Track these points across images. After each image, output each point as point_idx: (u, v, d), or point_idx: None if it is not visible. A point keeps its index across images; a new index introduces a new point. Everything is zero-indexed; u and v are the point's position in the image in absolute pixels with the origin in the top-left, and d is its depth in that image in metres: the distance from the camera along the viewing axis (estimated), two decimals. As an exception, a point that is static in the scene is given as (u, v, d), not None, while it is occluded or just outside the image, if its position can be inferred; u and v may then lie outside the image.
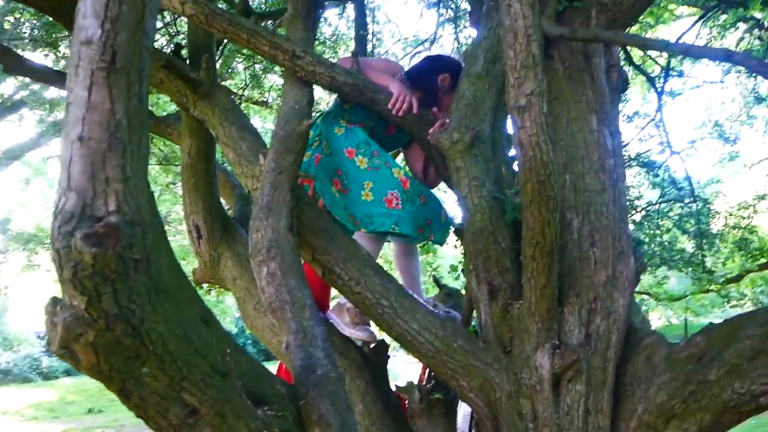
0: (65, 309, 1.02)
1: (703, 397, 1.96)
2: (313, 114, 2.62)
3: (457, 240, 2.85)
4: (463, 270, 2.79)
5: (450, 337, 2.18)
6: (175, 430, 1.21)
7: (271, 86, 8.23)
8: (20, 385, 19.25)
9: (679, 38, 6.26)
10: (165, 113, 5.20)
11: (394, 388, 2.58)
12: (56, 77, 4.87)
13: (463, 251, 2.66)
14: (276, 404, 1.45)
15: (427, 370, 2.71)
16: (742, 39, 7.10)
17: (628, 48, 5.52)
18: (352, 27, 7.64)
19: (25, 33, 6.32)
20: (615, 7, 2.36)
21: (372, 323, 2.57)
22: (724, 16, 6.30)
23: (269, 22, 5.64)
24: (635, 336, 2.27)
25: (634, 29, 4.52)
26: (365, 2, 6.33)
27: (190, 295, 1.30)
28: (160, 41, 6.06)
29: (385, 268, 2.42)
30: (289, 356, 1.68)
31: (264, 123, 9.43)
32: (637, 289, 2.43)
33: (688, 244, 9.22)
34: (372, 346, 2.59)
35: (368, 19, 6.57)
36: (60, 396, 16.41)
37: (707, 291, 11.38)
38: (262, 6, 6.65)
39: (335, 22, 7.74)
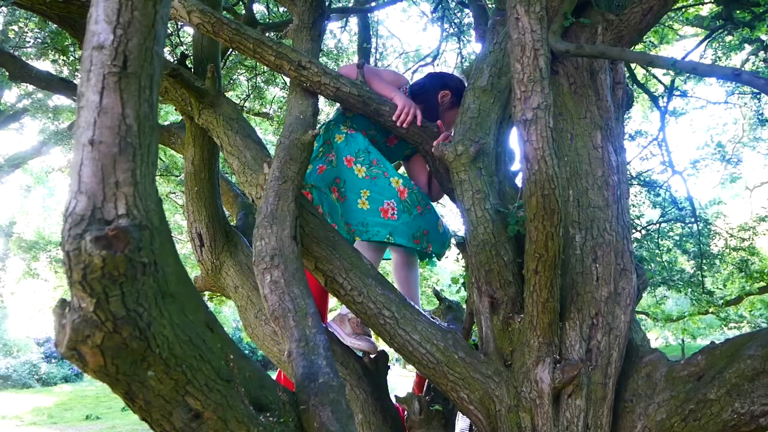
0: (74, 311, 1.03)
1: (702, 416, 1.96)
2: (318, 124, 2.64)
3: (458, 253, 2.86)
4: (464, 283, 2.79)
5: (451, 348, 2.18)
6: (179, 434, 1.21)
7: (273, 98, 8.28)
8: (19, 390, 19.22)
9: (684, 57, 6.29)
10: (166, 123, 5.23)
11: (393, 399, 2.57)
12: (60, 85, 4.90)
13: (464, 264, 2.67)
14: (278, 411, 1.45)
15: (426, 381, 2.71)
16: (747, 60, 7.14)
17: (632, 66, 5.56)
18: (354, 40, 7.70)
19: (29, 42, 6.37)
20: (621, 24, 2.39)
21: (373, 333, 2.57)
22: (729, 38, 6.34)
23: (272, 33, 5.69)
24: (636, 353, 2.27)
25: (637, 48, 4.56)
26: (369, 16, 6.37)
27: (196, 300, 1.30)
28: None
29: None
30: (290, 364, 1.68)
31: (265, 135, 9.47)
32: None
33: (687, 265, 9.22)
34: (372, 356, 2.58)
35: (370, 33, 6.63)
36: (58, 402, 16.37)
37: (705, 312, 11.36)
38: (266, 18, 6.71)
39: (338, 35, 7.80)
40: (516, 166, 2.68)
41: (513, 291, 2.22)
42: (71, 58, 6.32)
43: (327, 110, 7.73)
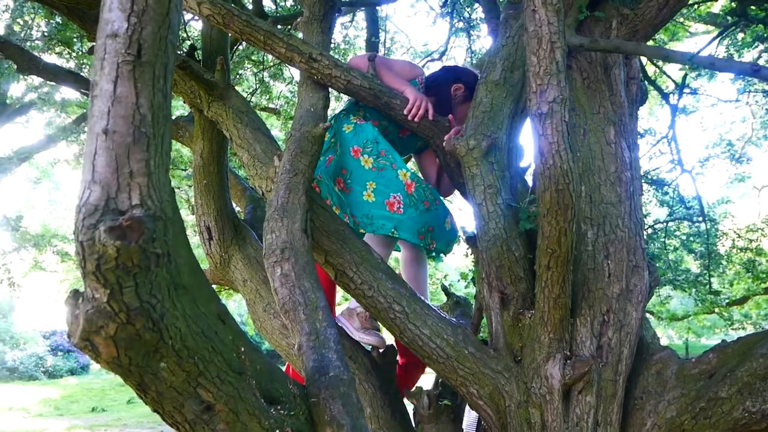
0: (87, 301, 1.02)
1: (713, 414, 1.95)
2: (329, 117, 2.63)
3: (467, 248, 2.84)
4: (473, 278, 2.77)
5: (461, 343, 2.16)
6: (191, 425, 1.20)
7: (280, 93, 8.27)
8: (26, 382, 19.35)
9: (698, 53, 6.23)
10: (174, 116, 5.23)
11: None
12: (68, 77, 4.90)
13: (474, 259, 2.65)
14: (288, 404, 1.44)
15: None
16: (758, 58, 7.08)
17: (643, 62, 5.51)
18: (361, 35, 7.68)
19: (35, 36, 6.39)
20: (636, 19, 2.36)
21: (381, 327, 2.56)
22: (741, 35, 6.29)
23: (279, 26, 5.68)
24: (646, 350, 2.26)
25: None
26: (377, 10, 6.35)
27: (208, 292, 1.29)
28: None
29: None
30: (301, 357, 1.67)
31: (272, 130, 9.46)
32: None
33: (693, 265, 9.18)
34: (381, 350, 2.57)
35: (378, 28, 6.61)
36: (64, 394, 16.48)
37: (710, 312, 11.33)
38: (274, 12, 6.69)
39: (346, 30, 7.79)
40: (525, 162, 2.66)
41: (524, 287, 2.21)
42: (77, 51, 6.33)
43: (334, 105, 7.72)
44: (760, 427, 1.90)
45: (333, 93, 2.72)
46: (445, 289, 3.40)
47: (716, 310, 11.05)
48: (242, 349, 1.35)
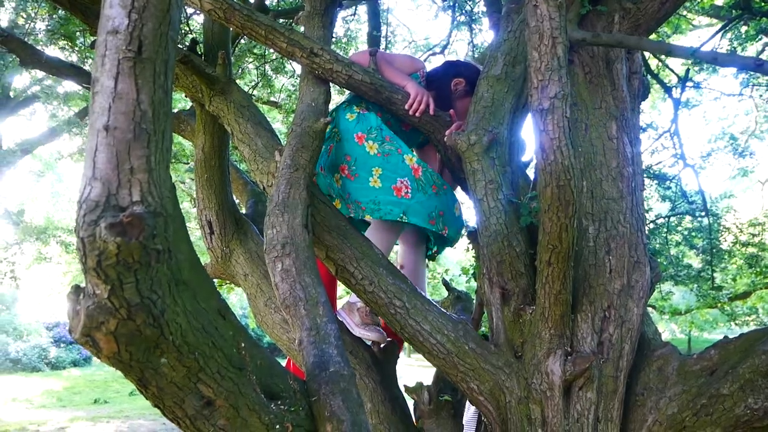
0: (88, 297, 1.02)
1: (714, 411, 1.94)
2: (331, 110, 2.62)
3: (468, 243, 2.84)
4: (474, 273, 2.77)
5: (462, 339, 2.17)
6: (191, 420, 1.21)
7: (282, 87, 8.26)
8: (29, 374, 19.42)
9: (700, 47, 6.21)
10: (175, 110, 5.23)
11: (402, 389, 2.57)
12: (70, 71, 4.89)
13: (475, 254, 2.65)
14: (289, 399, 1.45)
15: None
16: (762, 51, 7.05)
17: (645, 56, 5.50)
18: (362, 29, 7.66)
19: (39, 29, 6.38)
20: (639, 13, 2.35)
21: (382, 323, 2.56)
22: (744, 28, 6.26)
23: (281, 20, 5.67)
24: (648, 346, 2.26)
25: (651, 38, 4.49)
26: (378, 3, 6.33)
27: (208, 287, 1.29)
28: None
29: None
30: (301, 353, 1.68)
31: (273, 123, 9.46)
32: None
33: (695, 260, 9.16)
34: (382, 346, 2.58)
35: (380, 21, 6.59)
36: (67, 386, 16.53)
37: (713, 306, 11.32)
38: (276, 5, 6.67)
39: (347, 23, 7.76)
40: (527, 156, 2.66)
41: (524, 282, 2.21)
42: (79, 45, 6.32)
43: (337, 99, 7.70)
44: (762, 424, 1.89)
45: (335, 88, 2.71)
46: (446, 284, 3.40)
47: (718, 305, 11.04)
48: (242, 344, 1.35)
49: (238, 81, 7.52)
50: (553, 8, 1.61)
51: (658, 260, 7.96)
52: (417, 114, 2.53)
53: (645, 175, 7.45)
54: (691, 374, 2.08)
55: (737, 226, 8.86)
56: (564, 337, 2.06)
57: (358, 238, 2.31)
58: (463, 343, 2.16)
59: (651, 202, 8.31)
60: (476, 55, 6.54)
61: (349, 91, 2.75)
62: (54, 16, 6.23)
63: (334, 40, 7.54)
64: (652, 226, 8.09)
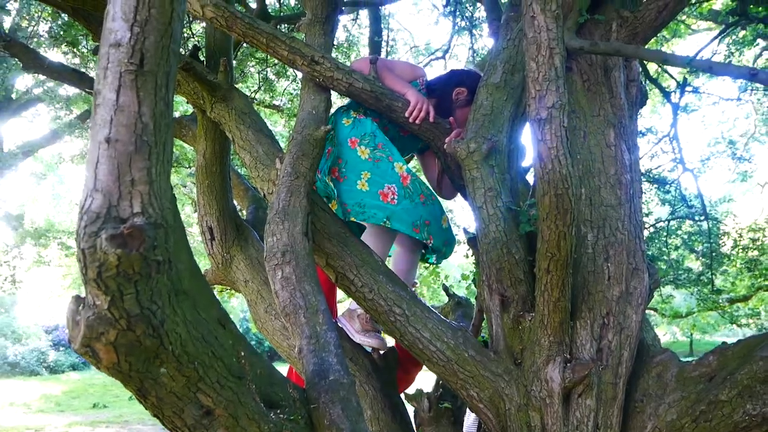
0: (88, 308, 1.03)
1: (713, 417, 1.95)
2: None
3: (468, 249, 2.84)
4: (474, 280, 2.77)
5: (461, 346, 2.17)
6: (190, 430, 1.21)
7: (284, 90, 8.27)
8: (27, 377, 19.38)
9: (697, 54, 6.24)
10: (176, 113, 5.24)
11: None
12: (73, 76, 4.92)
13: (474, 261, 2.65)
14: (288, 408, 1.46)
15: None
16: (759, 55, 7.07)
17: (644, 62, 5.51)
18: (364, 33, 7.68)
19: (42, 33, 6.40)
20: (636, 21, 2.36)
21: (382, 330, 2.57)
22: (742, 33, 6.29)
23: (284, 26, 5.68)
24: (647, 353, 2.26)
25: (649, 43, 4.51)
26: (380, 9, 6.35)
27: (208, 297, 1.30)
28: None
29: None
30: (301, 361, 1.69)
31: (275, 127, 9.47)
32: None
33: (695, 263, 9.17)
34: (382, 352, 2.58)
35: (381, 26, 6.60)
36: (66, 390, 16.49)
37: (714, 309, 11.33)
38: (278, 11, 6.69)
39: (349, 28, 7.78)
40: (527, 162, 2.67)
41: (524, 289, 2.21)
42: (81, 49, 6.34)
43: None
44: (761, 430, 1.90)
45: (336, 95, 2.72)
46: (446, 290, 3.41)
47: (718, 308, 11.05)
48: (242, 353, 1.36)
49: (239, 85, 7.53)
50: (551, 19, 1.62)
51: (658, 264, 7.98)
52: (417, 122, 2.54)
53: (645, 179, 7.48)
54: (689, 380, 2.08)
55: (737, 231, 8.86)
56: (563, 344, 2.07)
57: (358, 245, 2.32)
58: (462, 350, 2.17)
59: (651, 205, 8.32)
60: (477, 61, 6.56)
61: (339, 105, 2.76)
62: (57, 21, 6.25)
63: (335, 44, 7.56)
64: (652, 229, 8.10)
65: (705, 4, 6.96)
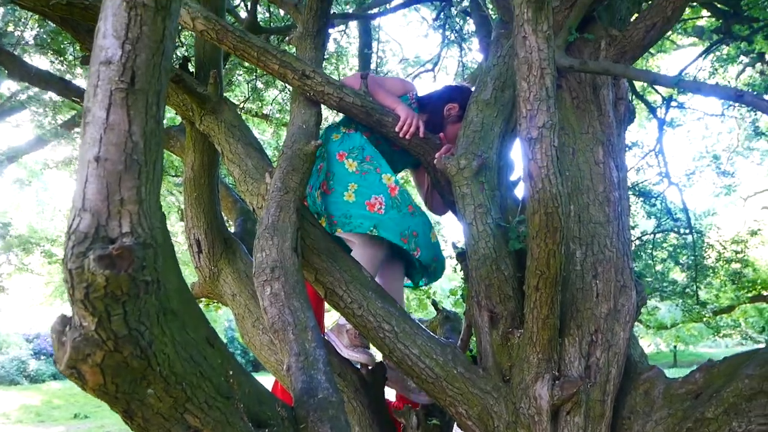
0: (74, 329, 1.01)
1: (699, 435, 1.95)
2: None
3: (456, 264, 2.84)
4: (463, 296, 2.77)
5: (450, 363, 2.17)
6: (177, 452, 1.19)
7: (273, 99, 8.26)
8: (7, 387, 19.03)
9: (683, 70, 6.32)
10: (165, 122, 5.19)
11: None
12: (59, 85, 4.87)
13: (463, 276, 2.65)
14: (276, 427, 1.44)
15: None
16: (743, 71, 7.17)
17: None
18: (353, 43, 7.70)
19: (28, 40, 6.34)
20: (625, 40, 2.39)
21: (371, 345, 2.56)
22: (726, 49, 6.38)
23: (273, 36, 5.68)
24: (634, 369, 2.27)
25: (637, 60, 4.56)
26: (370, 21, 6.37)
27: (197, 316, 1.29)
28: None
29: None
30: (289, 378, 1.67)
31: (263, 136, 9.44)
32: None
33: (680, 276, 9.24)
34: (370, 368, 2.57)
35: (371, 38, 6.62)
36: (46, 400, 16.22)
37: (698, 321, 11.43)
38: (268, 22, 6.68)
39: (338, 39, 7.79)
40: (516, 176, 2.68)
41: (513, 306, 2.22)
42: (69, 57, 6.29)
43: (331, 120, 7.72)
44: (746, 447, 1.91)
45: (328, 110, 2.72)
46: (434, 304, 3.40)
47: (703, 319, 11.15)
48: (231, 372, 1.35)
49: (228, 93, 7.50)
50: (542, 40, 1.64)
51: (644, 276, 8.04)
52: (407, 137, 2.55)
53: (631, 193, 7.53)
54: (676, 398, 2.09)
55: (721, 244, 8.95)
56: (552, 362, 2.07)
57: (347, 261, 2.32)
58: (451, 367, 2.16)
59: (637, 218, 8.38)
60: (466, 74, 6.59)
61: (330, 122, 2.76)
62: (44, 27, 6.20)
63: (325, 56, 7.56)
64: (638, 242, 8.16)
65: (690, 22, 7.06)
